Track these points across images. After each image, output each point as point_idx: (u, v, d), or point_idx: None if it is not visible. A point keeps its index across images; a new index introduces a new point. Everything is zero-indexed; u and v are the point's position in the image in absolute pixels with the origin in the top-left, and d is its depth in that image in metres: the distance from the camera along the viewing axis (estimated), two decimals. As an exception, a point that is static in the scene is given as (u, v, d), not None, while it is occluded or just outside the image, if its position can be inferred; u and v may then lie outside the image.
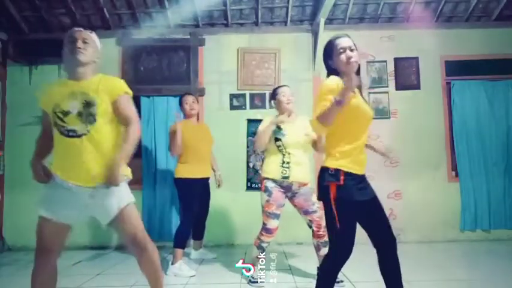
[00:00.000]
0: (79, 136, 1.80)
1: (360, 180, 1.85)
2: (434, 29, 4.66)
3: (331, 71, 1.92)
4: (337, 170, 1.79)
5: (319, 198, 1.89)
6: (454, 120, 4.58)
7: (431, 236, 4.41)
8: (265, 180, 2.89)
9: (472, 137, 4.54)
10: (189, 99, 3.53)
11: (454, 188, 4.51)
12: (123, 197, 1.89)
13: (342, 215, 1.77)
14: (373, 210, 1.89)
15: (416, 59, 4.64)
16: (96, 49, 1.94)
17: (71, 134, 1.80)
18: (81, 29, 1.94)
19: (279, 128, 2.90)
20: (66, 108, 1.80)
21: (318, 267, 2.97)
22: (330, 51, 1.91)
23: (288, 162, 2.85)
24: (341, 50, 1.86)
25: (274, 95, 3.04)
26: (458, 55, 4.67)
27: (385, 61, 4.63)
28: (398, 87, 4.65)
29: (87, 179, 1.80)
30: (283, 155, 2.86)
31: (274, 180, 2.86)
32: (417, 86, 4.65)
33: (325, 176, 1.81)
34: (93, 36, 1.95)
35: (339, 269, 1.85)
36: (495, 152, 4.52)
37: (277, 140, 2.89)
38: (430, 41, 4.61)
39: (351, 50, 1.86)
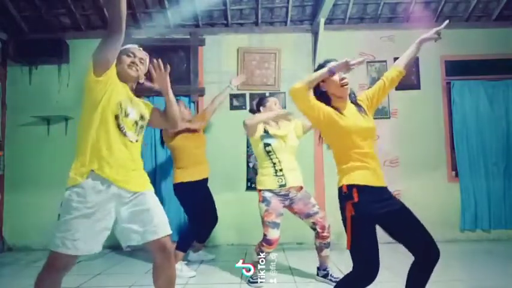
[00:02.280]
0: (130, 141, 1.84)
1: (379, 193, 1.77)
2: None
3: (320, 94, 1.87)
4: (351, 187, 1.72)
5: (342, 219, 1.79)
6: (454, 120, 4.58)
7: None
8: (262, 191, 2.89)
9: (472, 137, 4.54)
10: (181, 105, 3.51)
11: (454, 188, 4.50)
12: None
13: (363, 234, 1.68)
14: (402, 221, 1.78)
15: (417, 59, 4.63)
16: (146, 70, 2.01)
17: (126, 135, 1.82)
18: (139, 48, 1.98)
19: (266, 131, 2.94)
20: (128, 111, 1.84)
21: (317, 267, 2.98)
22: None
23: (280, 170, 2.87)
24: None
25: (264, 103, 3.06)
26: (458, 55, 4.67)
27: (385, 61, 4.63)
28: (398, 87, 4.57)
29: (132, 180, 1.80)
30: (274, 163, 2.88)
31: (271, 190, 2.87)
32: (417, 86, 4.64)
33: (340, 197, 1.77)
34: (147, 58, 2.01)
35: None
36: (495, 152, 4.52)
37: (266, 145, 2.90)
38: (430, 41, 4.60)
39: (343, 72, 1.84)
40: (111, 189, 1.74)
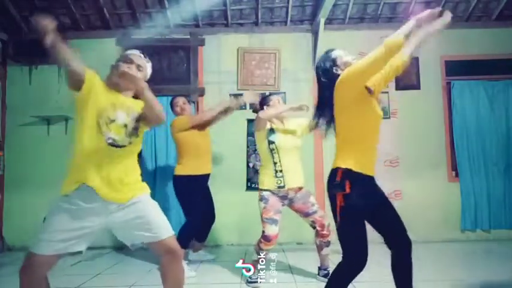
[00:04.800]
0: (118, 146, 1.78)
1: (370, 182, 1.80)
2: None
3: (332, 81, 1.83)
4: (348, 171, 1.71)
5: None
6: (454, 120, 4.59)
7: (431, 236, 4.41)
8: (261, 191, 2.93)
9: (472, 137, 4.54)
10: (180, 101, 3.49)
11: (454, 188, 4.51)
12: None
13: (352, 221, 1.73)
14: (384, 212, 1.84)
15: (416, 59, 4.64)
16: (145, 77, 1.94)
17: (110, 141, 1.76)
18: (141, 54, 1.93)
19: (271, 129, 2.94)
20: (113, 116, 1.78)
21: (318, 267, 2.98)
22: (335, 60, 1.88)
23: (280, 171, 2.87)
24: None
25: (268, 102, 3.05)
26: (458, 55, 4.67)
27: (385, 61, 4.62)
28: (398, 87, 4.65)
29: (121, 191, 1.77)
30: (275, 162, 2.89)
31: (269, 190, 2.89)
32: (417, 86, 4.65)
33: (333, 183, 1.76)
34: (148, 65, 1.95)
35: (351, 279, 1.78)
36: (495, 152, 4.52)
37: (270, 143, 2.90)
38: (430, 41, 4.60)
39: None
40: (99, 200, 1.71)
